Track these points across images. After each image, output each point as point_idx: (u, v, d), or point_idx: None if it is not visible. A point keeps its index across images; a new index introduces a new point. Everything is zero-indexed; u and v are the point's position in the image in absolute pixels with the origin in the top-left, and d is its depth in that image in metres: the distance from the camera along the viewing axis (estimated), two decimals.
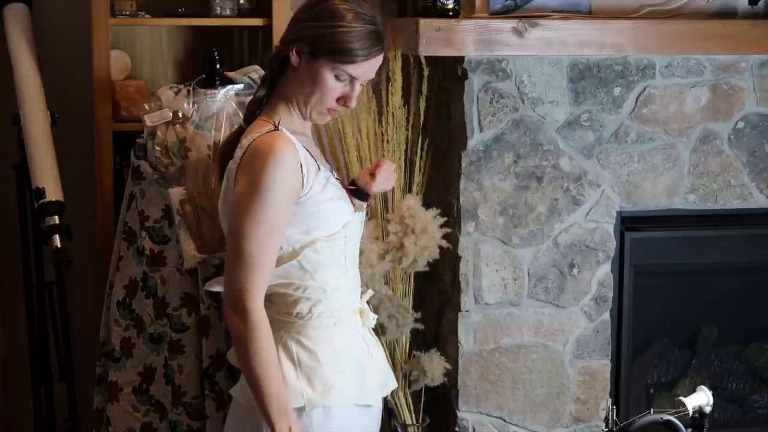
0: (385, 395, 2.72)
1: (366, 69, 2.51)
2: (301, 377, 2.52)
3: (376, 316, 2.76)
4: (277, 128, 2.48)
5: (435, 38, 3.32)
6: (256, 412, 2.50)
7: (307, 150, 2.52)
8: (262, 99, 2.59)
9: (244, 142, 2.49)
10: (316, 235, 2.51)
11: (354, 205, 2.65)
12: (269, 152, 2.41)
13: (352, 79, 2.50)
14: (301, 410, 2.51)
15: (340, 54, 2.46)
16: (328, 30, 2.46)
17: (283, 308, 2.55)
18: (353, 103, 2.53)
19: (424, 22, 3.31)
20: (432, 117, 3.61)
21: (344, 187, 2.66)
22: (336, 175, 2.64)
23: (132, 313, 3.17)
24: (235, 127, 2.68)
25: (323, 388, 2.52)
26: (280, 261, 2.51)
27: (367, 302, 2.74)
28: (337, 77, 2.49)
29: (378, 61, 2.53)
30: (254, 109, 2.59)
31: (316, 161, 2.54)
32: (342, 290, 2.59)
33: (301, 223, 2.50)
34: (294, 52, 2.50)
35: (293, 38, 2.51)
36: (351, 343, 2.61)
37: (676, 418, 2.72)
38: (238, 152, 2.48)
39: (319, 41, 2.47)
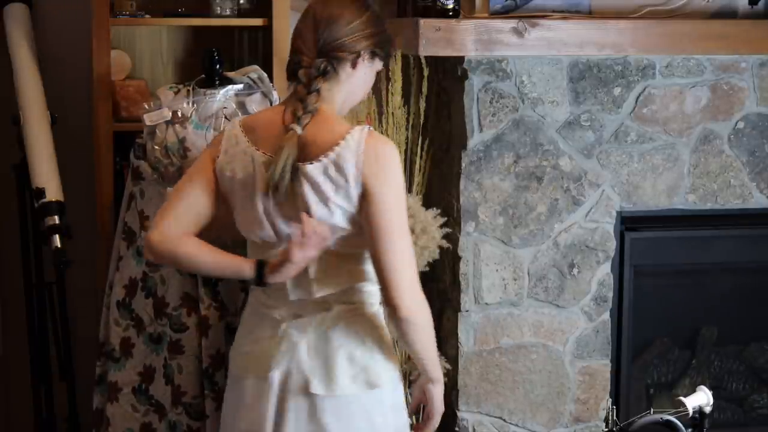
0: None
1: None
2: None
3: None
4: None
5: (435, 38, 3.32)
6: None
7: None
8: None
9: (349, 138, 2.44)
10: None
11: None
12: (391, 148, 2.48)
13: None
14: None
15: (389, 52, 2.59)
16: (384, 32, 2.55)
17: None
18: None
19: (424, 22, 3.31)
20: (432, 117, 3.61)
21: None
22: None
23: (132, 313, 3.17)
24: None
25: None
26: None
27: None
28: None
29: None
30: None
31: None
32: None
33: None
34: (363, 60, 2.51)
35: (360, 49, 2.50)
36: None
37: (676, 418, 2.72)
38: (349, 149, 2.43)
39: (382, 44, 2.54)
